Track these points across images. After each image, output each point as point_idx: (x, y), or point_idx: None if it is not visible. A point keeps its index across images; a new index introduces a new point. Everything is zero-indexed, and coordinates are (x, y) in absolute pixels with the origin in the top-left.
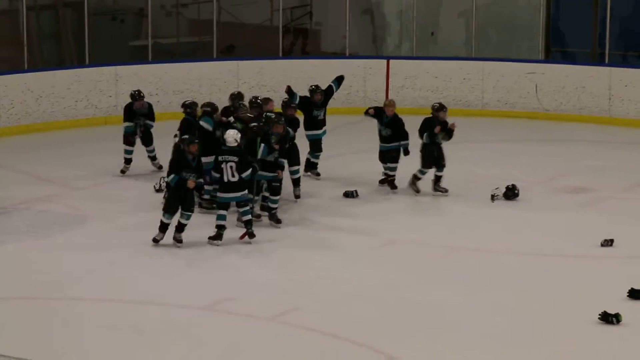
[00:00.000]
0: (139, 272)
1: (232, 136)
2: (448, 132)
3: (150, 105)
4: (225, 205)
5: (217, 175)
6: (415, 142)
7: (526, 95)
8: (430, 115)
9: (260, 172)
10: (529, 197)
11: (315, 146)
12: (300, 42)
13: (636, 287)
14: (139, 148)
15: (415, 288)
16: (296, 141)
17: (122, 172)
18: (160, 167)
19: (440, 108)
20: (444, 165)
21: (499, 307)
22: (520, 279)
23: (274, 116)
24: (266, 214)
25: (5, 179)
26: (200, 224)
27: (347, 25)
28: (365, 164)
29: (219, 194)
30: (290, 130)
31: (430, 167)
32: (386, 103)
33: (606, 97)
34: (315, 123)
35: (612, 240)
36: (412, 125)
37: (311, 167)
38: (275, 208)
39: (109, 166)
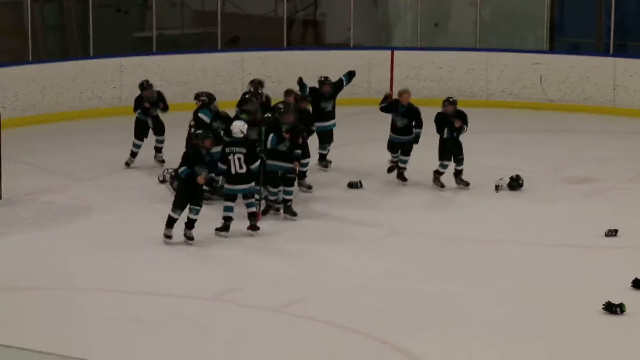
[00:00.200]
0: (143, 263)
1: (238, 127)
2: (458, 129)
3: (159, 93)
4: (232, 197)
5: (224, 167)
6: (429, 133)
7: (531, 85)
8: (442, 110)
9: (273, 162)
10: (534, 187)
11: (323, 138)
12: (305, 33)
13: None
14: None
15: (420, 279)
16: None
17: (127, 164)
18: (162, 162)
19: (447, 102)
20: (462, 159)
21: (504, 297)
22: (524, 269)
23: (282, 106)
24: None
25: (9, 170)
26: (207, 215)
27: (352, 16)
28: (369, 154)
29: (226, 186)
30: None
31: (450, 160)
32: (401, 91)
33: (611, 87)
34: (323, 115)
35: (616, 231)
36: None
37: (320, 158)
38: (290, 200)
39: (113, 157)
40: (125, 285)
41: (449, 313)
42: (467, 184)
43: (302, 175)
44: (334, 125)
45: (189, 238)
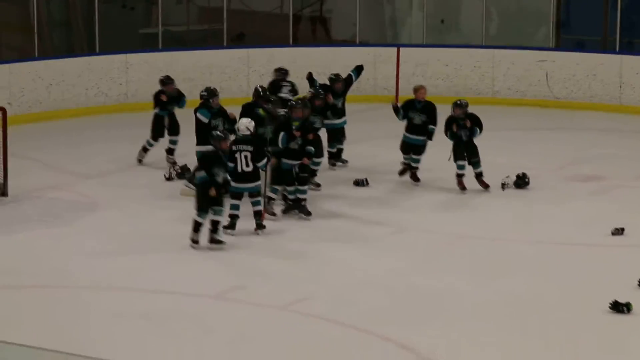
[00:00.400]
0: (149, 261)
1: (245, 124)
2: (470, 128)
3: (178, 90)
4: (238, 195)
5: (231, 164)
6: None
7: (537, 83)
8: (451, 114)
9: (286, 161)
10: (540, 185)
11: (334, 136)
12: (311, 30)
13: None
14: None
15: (425, 276)
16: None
17: (139, 160)
18: (174, 164)
19: (454, 105)
20: (477, 162)
21: (509, 295)
22: (530, 267)
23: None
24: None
25: (16, 167)
26: None
27: (358, 13)
28: (376, 152)
29: (232, 184)
30: (317, 120)
31: (463, 160)
32: (417, 87)
33: (617, 84)
34: (333, 112)
35: (622, 229)
36: None
37: (333, 157)
38: (305, 199)
39: (119, 154)
40: (131, 282)
41: (454, 310)
42: (486, 186)
43: (313, 173)
44: (344, 122)
45: (216, 242)
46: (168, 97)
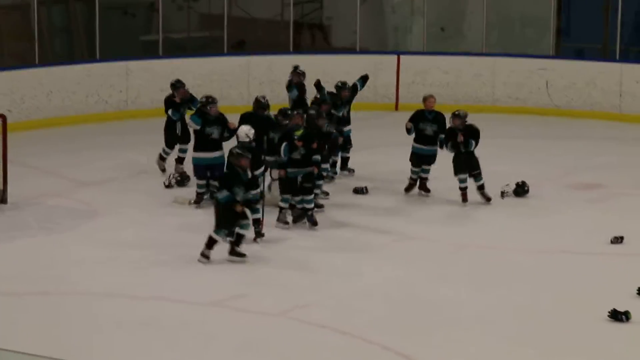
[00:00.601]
0: (149, 268)
1: (245, 131)
2: (464, 141)
3: (190, 93)
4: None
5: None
6: None
7: (537, 91)
8: (450, 125)
9: (290, 169)
10: (539, 194)
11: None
12: (311, 37)
13: None
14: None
15: (424, 285)
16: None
17: (162, 170)
18: (182, 173)
19: (453, 115)
20: (478, 174)
21: (509, 304)
22: (530, 276)
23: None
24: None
25: (16, 174)
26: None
27: (358, 21)
28: (376, 160)
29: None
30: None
31: (463, 173)
32: (426, 96)
33: (617, 93)
34: (338, 121)
35: (622, 238)
36: None
37: (342, 165)
38: (312, 209)
39: (119, 161)
40: (131, 290)
41: (453, 319)
42: (488, 199)
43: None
44: (350, 131)
45: (239, 255)
46: (181, 100)
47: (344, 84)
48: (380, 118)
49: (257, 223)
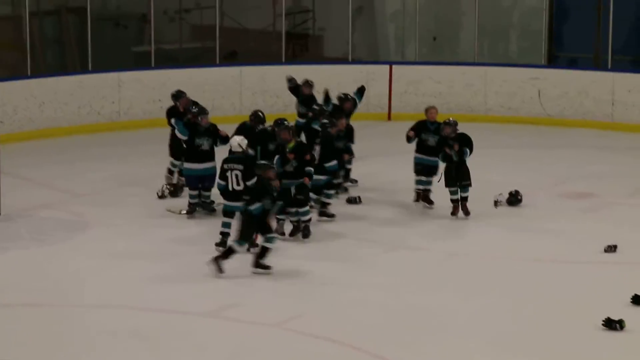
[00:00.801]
0: (142, 278)
1: (237, 142)
2: (459, 150)
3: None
4: (230, 214)
5: (223, 183)
6: None
7: (529, 100)
8: (441, 133)
9: (284, 181)
10: (532, 202)
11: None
12: (303, 48)
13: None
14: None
15: (417, 294)
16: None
17: (171, 184)
18: (175, 184)
19: (444, 123)
20: (466, 186)
21: (502, 313)
22: (523, 284)
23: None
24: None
25: (8, 185)
26: (206, 231)
27: (350, 31)
28: (369, 170)
29: (225, 202)
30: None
31: (454, 186)
32: (428, 107)
33: (609, 102)
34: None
35: (615, 246)
36: None
37: (345, 176)
38: (308, 220)
39: (111, 172)
40: (123, 300)
41: (446, 327)
42: (467, 213)
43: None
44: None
45: (265, 267)
46: (184, 109)
47: (346, 95)
48: (373, 128)
49: None
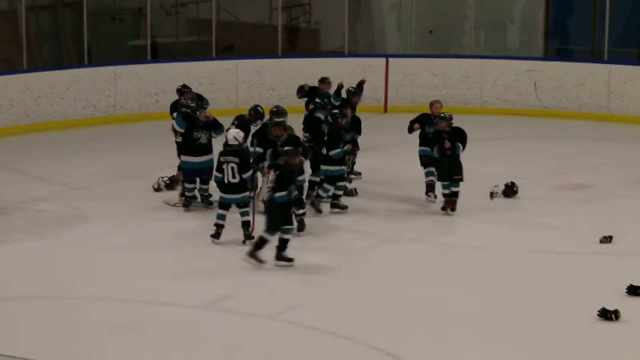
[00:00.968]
0: (139, 271)
1: (233, 135)
2: (451, 146)
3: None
4: (225, 206)
5: (220, 175)
6: None
7: (525, 92)
8: (437, 127)
9: None
10: (528, 194)
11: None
12: (300, 41)
13: (635, 284)
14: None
15: (414, 286)
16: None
17: (180, 181)
18: (172, 177)
19: (439, 117)
20: (457, 180)
21: (498, 304)
22: (519, 276)
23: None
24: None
25: (4, 179)
26: (204, 224)
27: (346, 24)
28: (365, 162)
29: (220, 195)
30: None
31: (447, 180)
32: (432, 102)
33: (605, 94)
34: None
35: (611, 237)
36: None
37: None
38: (302, 214)
39: (108, 166)
40: (120, 293)
41: (442, 320)
42: (453, 209)
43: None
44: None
45: (288, 260)
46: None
47: (355, 89)
48: (369, 120)
49: (247, 226)
